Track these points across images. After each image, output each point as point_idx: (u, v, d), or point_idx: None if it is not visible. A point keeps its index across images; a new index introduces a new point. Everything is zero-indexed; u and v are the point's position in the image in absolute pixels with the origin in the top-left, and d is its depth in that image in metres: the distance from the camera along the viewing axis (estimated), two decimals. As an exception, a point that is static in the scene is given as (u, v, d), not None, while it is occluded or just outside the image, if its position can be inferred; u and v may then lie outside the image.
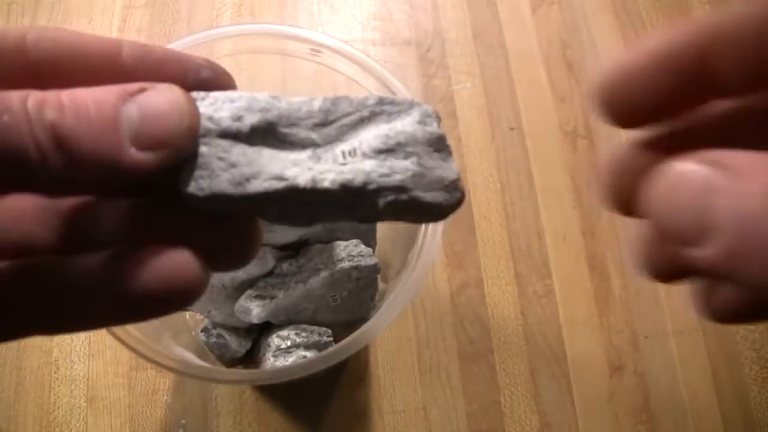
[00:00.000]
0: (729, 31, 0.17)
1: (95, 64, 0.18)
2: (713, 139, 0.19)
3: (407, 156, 0.18)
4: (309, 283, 0.38)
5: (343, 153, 0.18)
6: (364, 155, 0.18)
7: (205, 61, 0.19)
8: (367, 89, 0.35)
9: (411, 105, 0.19)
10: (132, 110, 0.16)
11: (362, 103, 0.19)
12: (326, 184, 0.17)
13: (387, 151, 0.18)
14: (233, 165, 0.17)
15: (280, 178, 0.17)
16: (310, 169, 0.18)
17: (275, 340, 0.39)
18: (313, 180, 0.17)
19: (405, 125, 0.19)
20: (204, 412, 0.44)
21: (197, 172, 0.17)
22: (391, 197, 0.18)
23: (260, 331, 0.43)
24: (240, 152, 0.17)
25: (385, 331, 0.47)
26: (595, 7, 0.58)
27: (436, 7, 0.58)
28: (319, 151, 0.18)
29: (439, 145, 0.19)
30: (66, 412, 0.44)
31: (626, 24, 0.58)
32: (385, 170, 0.18)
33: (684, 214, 0.14)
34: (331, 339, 0.40)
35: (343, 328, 0.40)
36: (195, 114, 0.17)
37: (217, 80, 0.19)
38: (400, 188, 0.18)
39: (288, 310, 0.39)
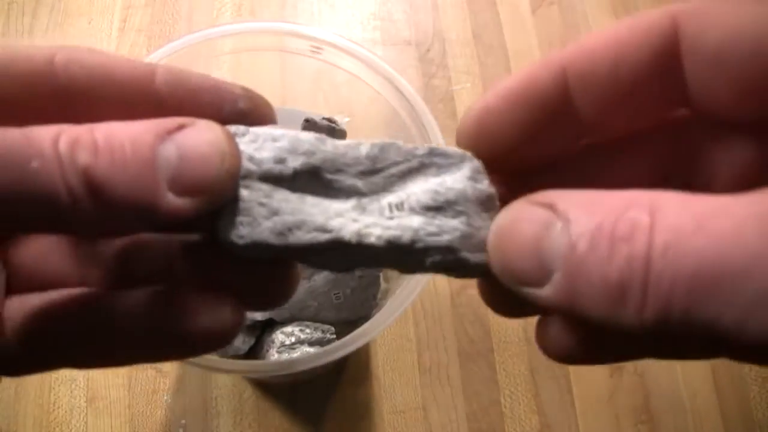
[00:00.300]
0: (585, 64, 0.16)
1: (127, 91, 0.16)
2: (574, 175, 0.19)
3: (456, 215, 0.17)
4: (313, 279, 0.38)
5: (390, 206, 0.17)
6: (412, 210, 0.17)
7: (243, 90, 0.18)
8: (370, 86, 0.35)
9: (462, 158, 0.18)
10: (170, 151, 0.15)
11: (411, 153, 0.18)
12: (372, 239, 0.16)
13: (436, 208, 0.17)
14: (275, 212, 0.16)
15: (324, 230, 0.16)
16: (354, 220, 0.17)
17: (279, 336, 0.39)
18: (359, 234, 0.16)
19: (455, 181, 0.18)
20: (204, 412, 0.44)
21: (238, 219, 0.16)
22: (437, 257, 0.17)
23: (263, 329, 0.43)
24: (282, 198, 0.16)
25: (385, 331, 0.47)
26: (595, 7, 0.58)
27: (436, 7, 0.58)
28: (365, 201, 0.17)
29: (488, 204, 0.18)
30: (66, 412, 0.44)
31: (626, 24, 0.58)
32: (433, 229, 0.17)
33: (519, 257, 0.15)
34: (335, 336, 0.40)
35: (345, 326, 0.40)
36: (236, 155, 0.16)
37: (256, 111, 0.18)
38: (448, 249, 0.17)
39: (292, 307, 0.39)
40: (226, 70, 0.36)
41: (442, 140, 0.32)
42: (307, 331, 0.39)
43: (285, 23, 0.34)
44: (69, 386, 0.44)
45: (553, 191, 0.15)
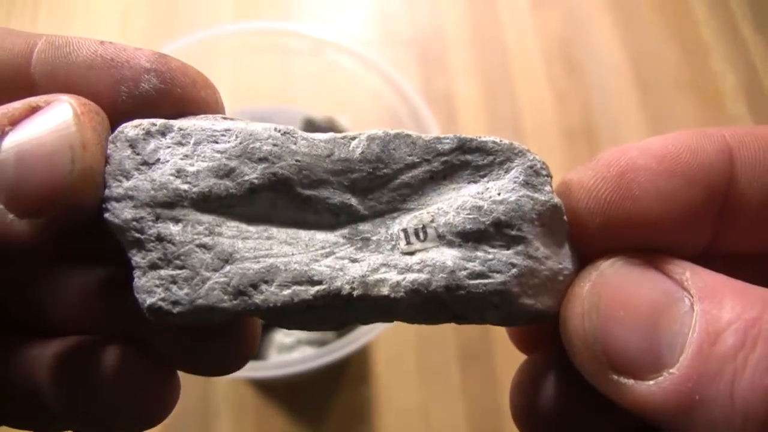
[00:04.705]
0: (757, 150, 0.13)
1: (3, 78, 0.13)
2: None
3: (510, 242, 0.12)
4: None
5: (407, 233, 0.12)
6: (442, 239, 0.12)
7: (152, 61, 0.13)
8: (370, 85, 0.35)
9: (509, 154, 0.13)
10: (7, 154, 0.10)
11: (431, 149, 0.12)
12: (385, 291, 0.11)
13: (478, 234, 0.12)
14: (227, 258, 0.11)
15: (309, 281, 0.11)
16: (353, 260, 0.11)
17: (279, 336, 0.39)
18: (364, 284, 0.11)
19: (503, 189, 0.12)
20: (204, 412, 0.44)
21: (166, 272, 0.11)
22: (486, 310, 0.12)
23: (263, 329, 0.43)
24: (235, 233, 0.11)
25: (385, 331, 0.47)
26: (595, 7, 0.58)
27: (437, 6, 0.58)
28: (365, 227, 0.12)
29: (553, 221, 0.13)
30: (65, 412, 0.44)
31: (626, 24, 0.58)
32: (476, 266, 0.11)
33: (626, 334, 0.11)
34: (335, 336, 0.40)
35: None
36: (94, 145, 0.11)
37: (171, 93, 0.12)
38: (500, 294, 0.12)
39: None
40: (227, 70, 0.36)
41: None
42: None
43: (285, 23, 0.35)
44: (69, 386, 0.44)
45: (675, 258, 0.12)
